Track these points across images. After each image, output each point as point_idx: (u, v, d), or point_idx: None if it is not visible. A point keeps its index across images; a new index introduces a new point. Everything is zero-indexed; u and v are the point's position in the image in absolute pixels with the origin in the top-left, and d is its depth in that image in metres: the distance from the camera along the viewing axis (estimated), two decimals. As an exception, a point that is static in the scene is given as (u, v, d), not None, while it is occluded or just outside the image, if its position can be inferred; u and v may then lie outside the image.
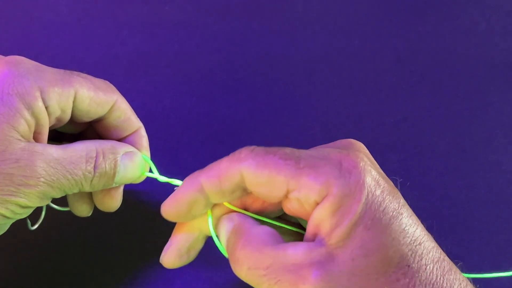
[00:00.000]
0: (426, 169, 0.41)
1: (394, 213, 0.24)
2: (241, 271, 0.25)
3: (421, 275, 0.23)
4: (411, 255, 0.24)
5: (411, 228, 0.24)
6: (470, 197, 0.39)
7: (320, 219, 0.24)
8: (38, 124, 0.27)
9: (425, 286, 0.23)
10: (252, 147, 0.26)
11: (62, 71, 0.29)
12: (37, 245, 0.35)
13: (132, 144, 0.32)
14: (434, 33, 0.51)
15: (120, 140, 0.32)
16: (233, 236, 0.26)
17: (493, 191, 0.40)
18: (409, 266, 0.23)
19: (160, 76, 0.46)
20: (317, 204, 0.24)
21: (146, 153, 0.32)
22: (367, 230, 0.23)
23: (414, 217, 0.25)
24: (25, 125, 0.26)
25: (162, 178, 0.31)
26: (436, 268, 0.24)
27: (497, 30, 0.51)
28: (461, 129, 0.44)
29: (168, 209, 0.28)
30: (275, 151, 0.25)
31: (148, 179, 0.33)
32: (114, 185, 0.30)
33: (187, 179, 0.27)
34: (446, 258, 0.25)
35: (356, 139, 0.41)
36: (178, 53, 0.48)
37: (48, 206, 0.31)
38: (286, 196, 0.25)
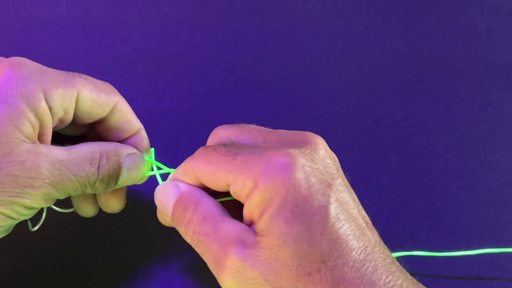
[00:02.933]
0: (426, 169, 0.41)
1: (318, 209, 0.25)
2: (188, 234, 0.28)
3: (336, 273, 0.24)
4: (328, 252, 0.24)
5: (335, 225, 0.25)
6: (470, 197, 0.39)
7: (250, 209, 0.26)
8: (42, 126, 0.27)
9: (338, 285, 0.24)
10: (203, 148, 0.28)
11: (64, 72, 0.29)
12: (37, 246, 0.35)
13: (133, 145, 0.32)
14: (434, 33, 0.51)
15: (121, 142, 0.32)
16: (184, 200, 0.28)
17: (493, 191, 0.40)
18: (324, 262, 0.24)
19: (160, 76, 0.46)
20: (248, 197, 0.26)
21: (147, 154, 0.33)
22: (286, 223, 0.24)
23: (346, 215, 0.25)
24: (29, 126, 0.26)
25: (163, 171, 0.32)
26: (356, 268, 0.24)
27: (497, 30, 0.51)
28: (461, 129, 0.44)
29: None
30: (218, 149, 0.27)
31: (149, 178, 0.33)
32: (117, 186, 0.31)
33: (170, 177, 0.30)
34: (378, 259, 0.25)
35: (356, 139, 0.42)
36: (178, 53, 0.48)
37: (49, 208, 0.31)
38: (228, 188, 0.27)
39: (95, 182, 0.29)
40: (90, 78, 0.30)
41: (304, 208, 0.25)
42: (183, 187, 0.29)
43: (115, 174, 0.30)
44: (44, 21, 0.50)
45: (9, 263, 0.34)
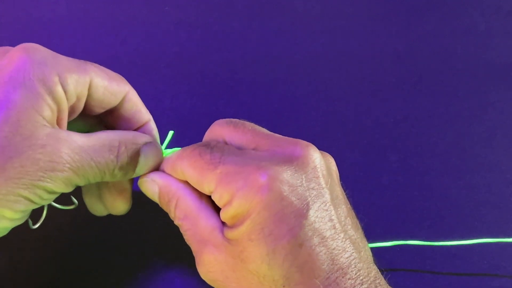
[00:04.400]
0: (426, 169, 0.41)
1: (287, 233, 0.25)
2: (176, 223, 0.30)
3: None
4: (288, 278, 0.25)
5: (301, 250, 0.25)
6: (470, 197, 0.39)
7: (224, 218, 0.27)
8: (59, 110, 0.27)
9: None
10: (191, 147, 0.29)
11: (76, 60, 0.29)
12: (38, 244, 0.35)
13: None
14: (434, 33, 0.51)
15: None
16: (165, 195, 0.30)
17: (493, 191, 0.40)
18: (284, 286, 0.25)
19: (160, 76, 0.46)
20: (224, 207, 0.27)
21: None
22: (251, 241, 0.25)
23: (317, 238, 0.25)
24: (48, 110, 0.26)
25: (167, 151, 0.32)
26: None
27: (497, 30, 0.51)
28: (461, 129, 0.44)
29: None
30: (204, 154, 0.28)
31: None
32: (135, 175, 0.31)
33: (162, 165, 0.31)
34: (345, 285, 0.25)
35: (356, 139, 0.42)
36: (178, 53, 0.48)
37: (49, 205, 0.31)
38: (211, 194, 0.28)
39: (114, 169, 0.29)
40: (101, 66, 0.30)
41: (272, 231, 0.25)
42: (160, 182, 0.30)
43: (134, 162, 0.30)
44: (44, 21, 0.50)
45: (9, 261, 0.34)
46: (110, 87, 0.30)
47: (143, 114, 0.32)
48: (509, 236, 0.36)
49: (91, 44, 0.48)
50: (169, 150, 0.33)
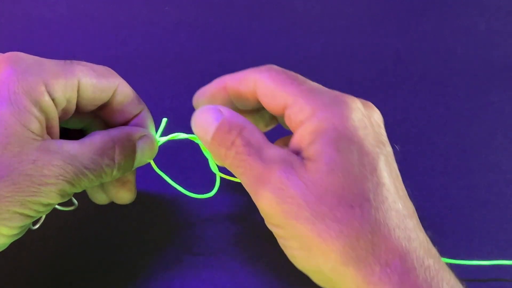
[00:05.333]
0: (426, 169, 0.41)
1: (372, 153, 0.25)
2: (229, 155, 0.27)
3: (377, 214, 0.24)
4: (373, 192, 0.24)
5: (383, 172, 0.25)
6: (470, 197, 0.39)
7: (300, 136, 0.26)
8: (48, 119, 0.27)
9: (377, 224, 0.24)
10: (272, 65, 0.29)
11: (62, 61, 0.29)
12: (38, 244, 0.35)
13: (139, 125, 0.32)
14: (434, 33, 0.51)
15: (126, 123, 0.32)
16: (227, 124, 0.27)
17: (493, 191, 0.40)
18: (368, 200, 0.24)
19: (160, 76, 0.46)
20: (302, 123, 0.26)
21: (153, 131, 0.33)
22: (338, 152, 0.24)
23: (394, 173, 0.26)
24: (36, 122, 0.26)
25: (173, 135, 0.33)
26: (398, 218, 0.24)
27: (497, 30, 0.51)
28: (461, 129, 0.44)
29: (197, 93, 0.33)
30: (288, 72, 0.28)
31: (150, 179, 0.33)
32: (132, 169, 0.31)
33: (217, 78, 0.31)
34: (412, 219, 0.25)
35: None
36: (178, 53, 0.48)
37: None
38: (283, 110, 0.27)
39: (112, 172, 0.29)
40: (89, 64, 0.30)
41: (359, 146, 0.25)
42: (226, 112, 0.28)
43: (131, 159, 0.30)
44: (44, 21, 0.50)
45: (9, 262, 0.34)
46: (99, 84, 0.29)
47: (136, 104, 0.32)
48: (509, 236, 0.36)
49: (91, 44, 0.48)
50: (163, 138, 0.32)
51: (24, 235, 0.29)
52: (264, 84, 0.28)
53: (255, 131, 0.27)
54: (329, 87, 0.29)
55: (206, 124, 0.28)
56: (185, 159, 0.40)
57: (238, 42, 0.49)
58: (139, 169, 0.32)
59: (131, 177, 0.32)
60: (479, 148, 0.42)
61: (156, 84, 0.46)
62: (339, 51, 0.49)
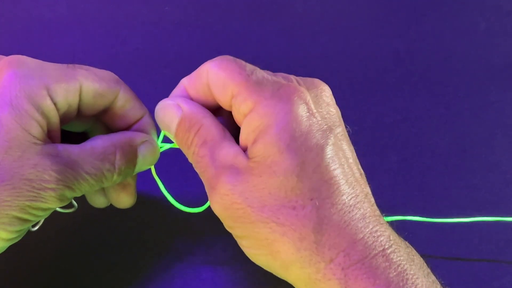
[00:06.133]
0: (426, 169, 0.41)
1: (315, 147, 0.25)
2: (189, 154, 0.28)
3: (322, 213, 0.24)
4: (317, 190, 0.24)
5: (329, 166, 0.25)
6: (470, 197, 0.39)
7: (245, 134, 0.26)
8: (49, 123, 0.27)
9: (320, 222, 0.24)
10: (226, 56, 0.28)
11: (64, 65, 0.29)
12: (38, 246, 0.35)
13: (140, 130, 0.32)
14: (434, 33, 0.51)
15: (128, 128, 0.32)
16: (187, 122, 0.28)
17: (493, 191, 0.40)
18: (312, 200, 0.24)
19: (160, 76, 0.46)
20: (245, 116, 0.26)
21: (155, 137, 0.32)
22: (280, 153, 0.25)
23: (342, 160, 0.26)
24: (37, 126, 0.26)
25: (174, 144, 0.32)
26: (344, 212, 0.24)
27: (497, 30, 0.51)
28: (461, 129, 0.44)
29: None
30: (239, 61, 0.27)
31: (150, 179, 0.33)
32: (133, 174, 0.31)
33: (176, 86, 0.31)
34: (367, 208, 0.25)
35: (356, 139, 0.41)
36: (178, 53, 0.48)
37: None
38: (231, 102, 0.27)
39: (112, 177, 0.29)
40: (91, 68, 0.30)
41: (301, 143, 0.25)
42: (185, 108, 0.28)
43: (132, 164, 0.30)
44: (44, 21, 0.49)
45: (9, 264, 0.34)
46: (101, 89, 0.29)
47: (138, 109, 0.32)
48: (509, 236, 0.36)
49: (91, 44, 0.48)
50: (166, 145, 0.32)
51: (23, 236, 0.29)
52: (214, 73, 0.27)
53: (212, 127, 0.27)
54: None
55: (168, 121, 0.29)
56: (185, 159, 0.40)
57: (238, 42, 0.49)
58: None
59: (131, 181, 0.32)
60: (479, 148, 0.42)
61: (156, 84, 0.46)
62: (339, 51, 0.49)
